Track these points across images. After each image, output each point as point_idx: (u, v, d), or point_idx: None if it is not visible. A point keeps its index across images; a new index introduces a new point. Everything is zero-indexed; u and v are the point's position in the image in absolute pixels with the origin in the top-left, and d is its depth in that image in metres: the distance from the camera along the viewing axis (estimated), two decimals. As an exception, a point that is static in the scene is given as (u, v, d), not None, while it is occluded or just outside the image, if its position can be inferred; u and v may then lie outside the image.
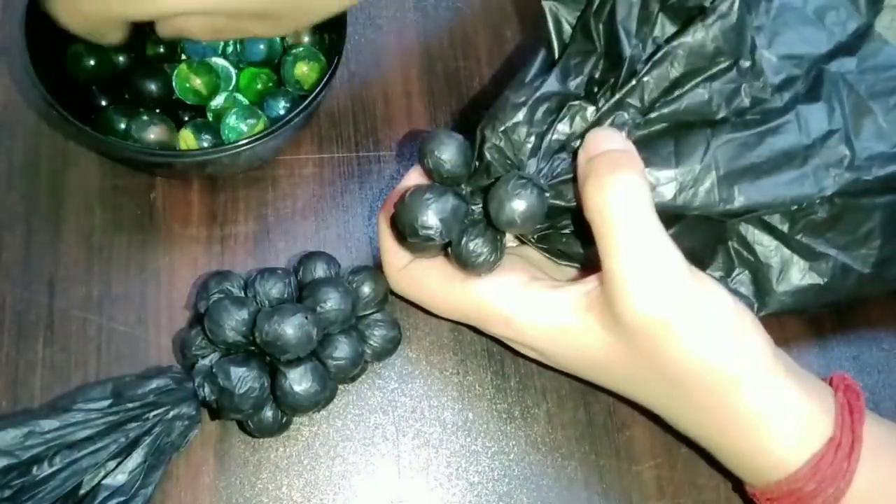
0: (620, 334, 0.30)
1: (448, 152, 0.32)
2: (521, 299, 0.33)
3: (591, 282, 0.32)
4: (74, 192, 0.40)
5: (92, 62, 0.39)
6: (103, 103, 0.40)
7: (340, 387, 0.37)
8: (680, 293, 0.30)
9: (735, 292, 0.35)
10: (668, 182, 0.32)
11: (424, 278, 0.35)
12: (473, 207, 0.33)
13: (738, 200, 0.32)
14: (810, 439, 0.30)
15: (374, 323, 0.36)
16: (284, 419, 0.35)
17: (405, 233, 0.32)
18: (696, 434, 0.33)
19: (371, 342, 0.36)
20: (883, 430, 0.32)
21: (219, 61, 0.42)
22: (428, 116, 0.43)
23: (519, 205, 0.31)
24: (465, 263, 0.32)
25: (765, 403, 0.31)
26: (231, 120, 0.39)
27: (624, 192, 0.30)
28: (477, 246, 0.32)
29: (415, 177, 0.35)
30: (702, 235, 0.34)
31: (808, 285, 0.36)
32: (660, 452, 0.37)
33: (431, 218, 0.31)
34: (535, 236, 0.35)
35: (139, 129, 0.38)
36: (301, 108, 0.37)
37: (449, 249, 0.33)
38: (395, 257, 0.36)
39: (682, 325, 0.30)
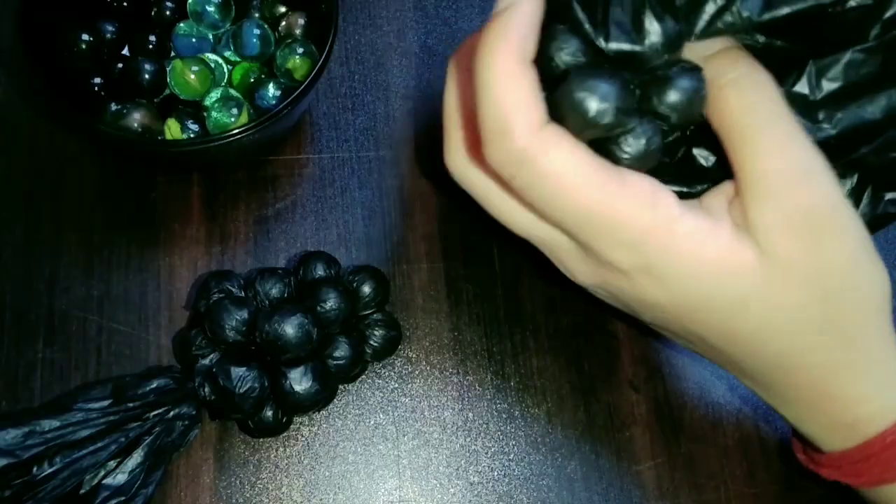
0: (772, 251, 0.27)
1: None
2: (660, 202, 0.27)
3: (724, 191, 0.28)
4: (74, 192, 0.40)
5: (83, 46, 0.39)
6: (96, 89, 0.40)
7: (340, 387, 0.37)
8: (837, 188, 0.27)
9: None
10: None
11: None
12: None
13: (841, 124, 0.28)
14: None
15: (374, 323, 0.36)
16: (284, 419, 0.35)
17: (568, 120, 0.26)
18: (800, 376, 0.30)
19: (371, 342, 0.36)
20: None
21: (212, 57, 0.41)
22: (428, 116, 0.43)
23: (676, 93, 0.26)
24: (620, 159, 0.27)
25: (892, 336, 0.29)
26: (215, 110, 0.39)
27: (762, 88, 0.27)
28: (646, 137, 0.26)
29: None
30: None
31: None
32: (660, 452, 0.37)
33: (604, 101, 0.25)
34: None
35: (120, 115, 0.38)
36: (290, 98, 0.36)
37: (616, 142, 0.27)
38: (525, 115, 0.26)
39: (846, 221, 0.27)
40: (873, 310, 0.28)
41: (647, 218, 0.26)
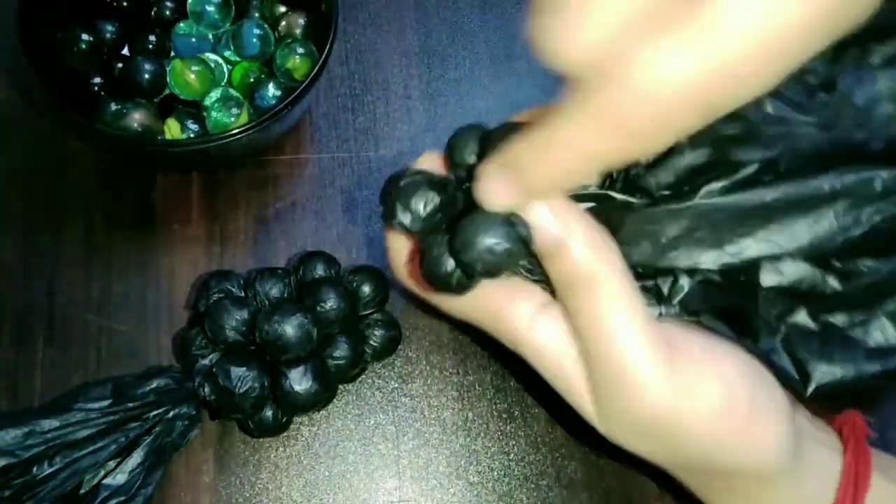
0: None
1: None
2: (537, 325, 0.29)
3: None
4: (74, 192, 0.40)
5: (83, 46, 0.39)
6: (96, 89, 0.40)
7: (340, 387, 0.37)
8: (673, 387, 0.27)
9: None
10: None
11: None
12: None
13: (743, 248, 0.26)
14: None
15: (374, 323, 0.36)
16: (284, 419, 0.35)
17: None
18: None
19: (371, 342, 0.36)
20: (887, 488, 0.29)
21: (212, 57, 0.41)
22: (428, 116, 0.43)
23: (487, 246, 0.24)
24: (433, 280, 0.26)
25: (774, 494, 0.29)
26: (215, 110, 0.39)
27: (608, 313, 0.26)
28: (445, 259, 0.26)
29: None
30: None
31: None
32: (660, 452, 0.37)
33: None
34: None
35: (120, 115, 0.38)
36: (290, 98, 0.36)
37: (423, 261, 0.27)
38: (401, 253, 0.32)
39: (691, 415, 0.27)
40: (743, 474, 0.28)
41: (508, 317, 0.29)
